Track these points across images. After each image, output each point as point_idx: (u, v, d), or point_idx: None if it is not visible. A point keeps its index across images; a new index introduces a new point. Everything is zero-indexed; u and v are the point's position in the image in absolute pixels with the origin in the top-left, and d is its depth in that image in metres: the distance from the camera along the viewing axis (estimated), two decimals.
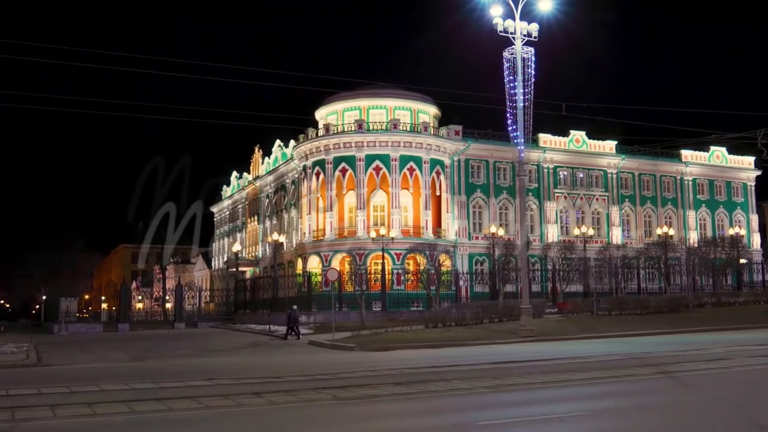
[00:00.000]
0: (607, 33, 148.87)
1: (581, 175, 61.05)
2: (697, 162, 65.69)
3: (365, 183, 52.62)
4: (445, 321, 35.59)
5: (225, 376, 18.17)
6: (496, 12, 29.81)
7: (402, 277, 48.93)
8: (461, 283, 49.42)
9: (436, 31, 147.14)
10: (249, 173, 74.03)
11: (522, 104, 30.60)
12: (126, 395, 14.59)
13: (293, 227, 59.80)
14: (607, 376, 16.47)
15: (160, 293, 62.76)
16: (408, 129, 53.45)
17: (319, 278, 46.37)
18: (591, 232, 55.62)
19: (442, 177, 54.42)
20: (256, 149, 72.02)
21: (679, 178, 65.21)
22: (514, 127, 31.00)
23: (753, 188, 68.57)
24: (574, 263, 49.52)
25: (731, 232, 59.99)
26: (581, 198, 60.75)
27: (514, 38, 30.43)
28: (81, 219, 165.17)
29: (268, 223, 66.84)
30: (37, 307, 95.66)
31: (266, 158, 68.64)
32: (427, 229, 52.78)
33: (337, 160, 53.54)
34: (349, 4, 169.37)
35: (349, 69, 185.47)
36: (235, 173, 79.38)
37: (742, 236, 61.47)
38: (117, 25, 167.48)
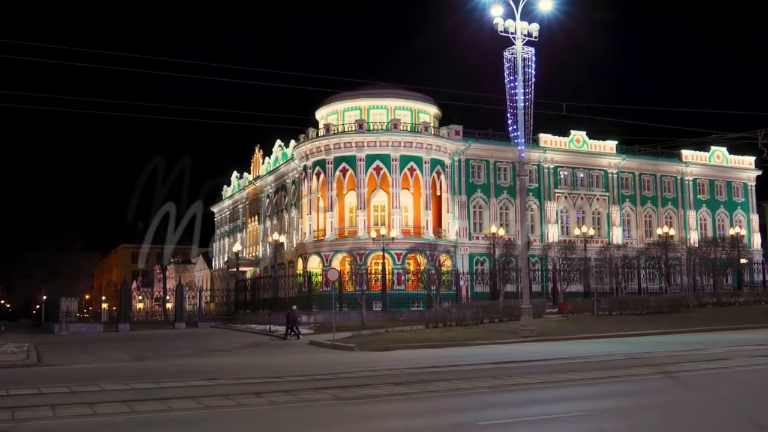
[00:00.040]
0: (607, 33, 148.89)
1: (582, 175, 61.05)
2: (697, 162, 65.68)
3: (366, 183, 52.63)
4: (446, 321, 35.59)
5: (225, 376, 18.17)
6: (496, 12, 29.79)
7: (402, 277, 48.96)
8: (462, 283, 49.44)
9: (436, 31, 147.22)
10: (249, 173, 74.05)
11: (522, 104, 30.60)
12: (127, 395, 14.59)
13: (294, 227, 59.82)
14: (607, 376, 16.47)
15: (161, 293, 62.75)
16: (408, 129, 53.46)
17: (320, 278, 46.37)
18: (591, 232, 55.60)
19: (442, 177, 54.42)
20: (257, 149, 72.07)
21: (679, 178, 65.20)
22: (515, 127, 30.99)
23: (753, 188, 68.57)
24: (574, 263, 49.54)
25: (732, 232, 59.99)
26: (582, 198, 60.75)
27: (514, 38, 30.42)
28: (81, 219, 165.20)
29: (268, 223, 66.85)
30: (38, 307, 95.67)
31: (267, 158, 68.66)
32: (427, 229, 52.78)
33: (338, 160, 53.56)
34: (349, 4, 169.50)
35: (349, 69, 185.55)
36: (235, 173, 79.42)
37: (743, 236, 61.48)
38: (117, 25, 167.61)
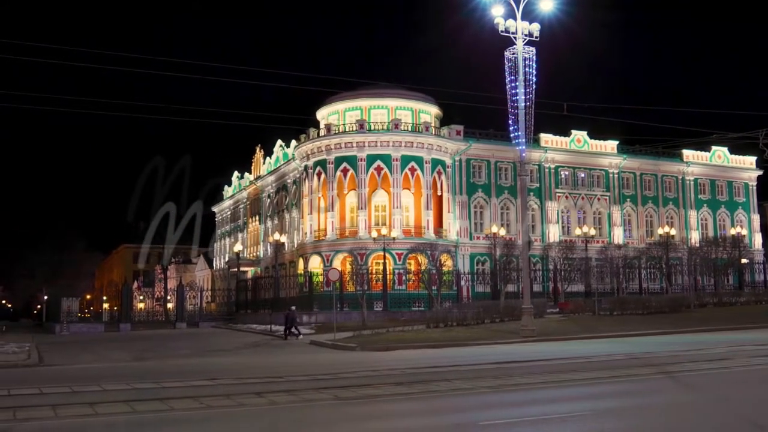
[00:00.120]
0: (608, 33, 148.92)
1: (582, 175, 61.04)
2: (698, 162, 65.66)
3: (366, 183, 52.63)
4: (447, 321, 35.57)
5: (226, 376, 18.17)
6: (497, 12, 29.76)
7: (403, 277, 48.95)
8: (462, 283, 49.41)
9: (437, 31, 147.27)
10: (250, 173, 74.08)
11: (523, 104, 30.57)
12: (128, 395, 14.59)
13: (294, 227, 59.84)
14: (608, 376, 16.47)
15: (162, 293, 62.78)
16: (409, 129, 53.46)
17: (321, 278, 46.35)
18: (592, 232, 55.57)
19: (443, 177, 54.43)
20: (258, 149, 72.12)
21: (680, 177, 65.17)
22: (516, 127, 30.97)
23: (755, 188, 68.55)
24: (575, 263, 49.52)
25: (733, 232, 59.97)
26: (582, 198, 60.73)
27: (515, 38, 30.40)
28: (82, 219, 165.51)
29: (269, 222, 66.87)
30: (39, 307, 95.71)
31: (267, 158, 68.70)
32: (428, 229, 52.78)
33: (339, 160, 53.57)
34: (349, 4, 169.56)
35: (350, 69, 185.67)
36: (236, 173, 79.48)
37: (744, 236, 61.43)
38: (117, 25, 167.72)
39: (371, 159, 52.76)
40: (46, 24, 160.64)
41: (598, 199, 61.32)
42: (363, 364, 20.55)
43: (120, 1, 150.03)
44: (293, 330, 34.45)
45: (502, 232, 53.05)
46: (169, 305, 60.78)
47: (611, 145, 61.98)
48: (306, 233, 55.52)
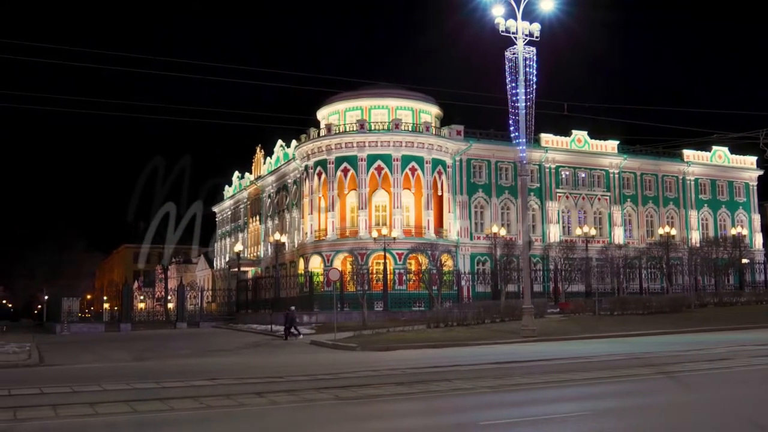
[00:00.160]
0: (608, 33, 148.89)
1: (583, 175, 61.03)
2: (699, 162, 65.64)
3: (367, 183, 52.63)
4: (447, 321, 35.58)
5: (227, 376, 18.18)
6: (497, 12, 29.75)
7: (404, 277, 48.98)
8: (463, 283, 49.41)
9: (437, 31, 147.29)
10: (251, 173, 74.07)
11: (524, 104, 30.57)
12: (128, 395, 14.59)
13: (295, 227, 59.84)
14: (608, 376, 16.47)
15: (162, 293, 62.82)
16: (410, 129, 53.47)
17: (321, 278, 46.38)
18: (593, 231, 55.55)
19: (443, 177, 54.43)
20: (258, 149, 72.11)
21: (681, 177, 65.16)
22: (516, 126, 30.96)
23: (755, 188, 68.52)
24: (575, 263, 49.52)
25: (733, 231, 59.96)
26: (583, 198, 60.72)
27: (515, 38, 30.40)
28: (82, 219, 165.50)
29: (269, 222, 66.88)
30: (39, 307, 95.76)
31: (268, 158, 68.71)
32: (428, 229, 52.79)
33: (339, 160, 53.57)
34: (349, 4, 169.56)
35: (350, 69, 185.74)
36: (236, 173, 79.47)
37: (745, 236, 61.40)
38: (117, 25, 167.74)
39: (372, 159, 52.75)
40: (46, 24, 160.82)
41: (599, 199, 61.31)
42: (363, 364, 20.55)
43: (120, 1, 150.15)
44: (293, 330, 34.48)
45: (503, 232, 53.04)
46: (170, 305, 60.82)
47: (612, 145, 61.97)
48: (306, 233, 55.53)
